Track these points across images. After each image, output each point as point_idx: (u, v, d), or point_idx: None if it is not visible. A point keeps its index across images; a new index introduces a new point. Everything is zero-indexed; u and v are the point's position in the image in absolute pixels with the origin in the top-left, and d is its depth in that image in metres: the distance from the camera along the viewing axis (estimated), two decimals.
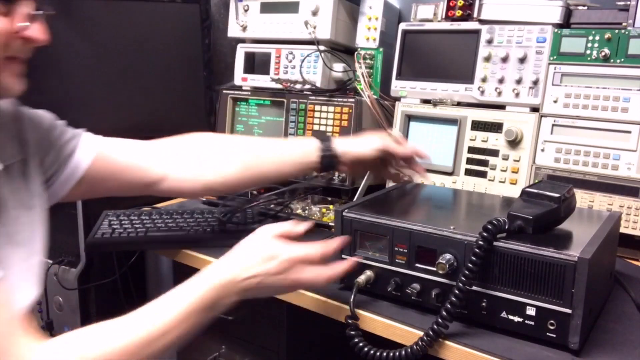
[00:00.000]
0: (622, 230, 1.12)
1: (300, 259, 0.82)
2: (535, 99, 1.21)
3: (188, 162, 1.06)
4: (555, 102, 1.19)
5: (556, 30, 1.18)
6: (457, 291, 0.79)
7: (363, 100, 1.38)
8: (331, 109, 1.39)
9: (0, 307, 0.67)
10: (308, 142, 1.10)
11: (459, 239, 0.83)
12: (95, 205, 1.33)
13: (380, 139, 1.10)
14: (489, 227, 0.78)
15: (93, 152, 0.99)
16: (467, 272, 0.78)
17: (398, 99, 1.40)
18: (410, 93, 1.38)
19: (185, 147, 1.08)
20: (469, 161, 1.28)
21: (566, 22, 1.20)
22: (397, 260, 0.89)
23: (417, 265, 0.87)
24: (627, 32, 1.10)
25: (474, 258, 0.78)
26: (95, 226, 1.26)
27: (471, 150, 1.28)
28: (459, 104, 1.31)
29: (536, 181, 1.19)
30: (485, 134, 1.27)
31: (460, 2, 1.29)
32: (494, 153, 1.26)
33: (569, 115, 1.18)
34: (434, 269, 0.84)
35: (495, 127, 1.25)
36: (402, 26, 1.38)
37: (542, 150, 1.20)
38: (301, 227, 0.88)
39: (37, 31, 0.77)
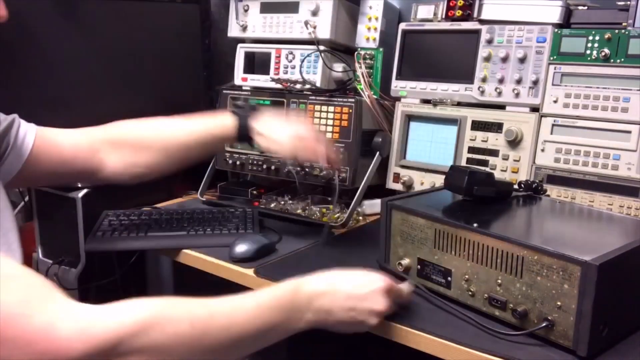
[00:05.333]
0: None
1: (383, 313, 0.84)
2: (535, 99, 1.21)
3: (122, 151, 1.11)
4: (555, 102, 1.19)
5: (556, 30, 1.18)
6: None
7: (363, 100, 1.38)
8: (331, 109, 1.39)
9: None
10: (223, 115, 1.18)
11: None
12: (95, 205, 1.33)
13: (297, 127, 1.14)
14: None
15: (33, 133, 1.00)
16: None
17: (398, 99, 1.40)
18: (410, 93, 1.38)
19: (116, 135, 1.12)
20: (469, 161, 1.28)
21: (566, 22, 1.20)
22: None
23: None
24: (627, 32, 1.10)
25: None
26: (95, 226, 1.26)
27: (471, 150, 1.28)
28: (459, 104, 1.31)
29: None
30: (485, 134, 1.27)
31: (460, 2, 1.29)
32: (494, 153, 1.26)
33: (569, 115, 1.17)
34: None
35: (495, 127, 1.25)
36: (402, 26, 1.38)
37: (542, 150, 1.20)
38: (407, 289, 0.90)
39: None
